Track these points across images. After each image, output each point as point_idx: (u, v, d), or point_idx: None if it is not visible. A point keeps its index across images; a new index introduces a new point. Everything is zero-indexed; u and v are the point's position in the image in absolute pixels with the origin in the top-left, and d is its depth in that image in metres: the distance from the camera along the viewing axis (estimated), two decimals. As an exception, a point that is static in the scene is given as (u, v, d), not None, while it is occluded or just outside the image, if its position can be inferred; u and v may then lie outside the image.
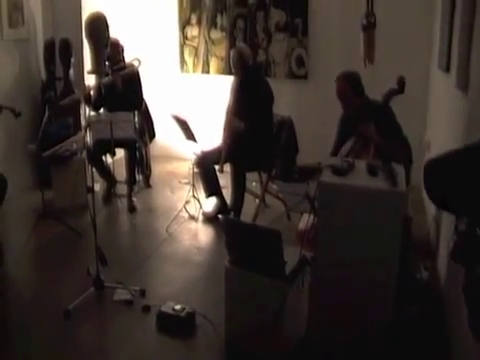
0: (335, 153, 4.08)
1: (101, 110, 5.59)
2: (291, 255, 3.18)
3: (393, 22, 5.50)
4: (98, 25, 4.51)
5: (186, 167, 6.30)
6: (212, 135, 5.71)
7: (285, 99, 5.68)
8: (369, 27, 4.34)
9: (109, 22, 4.80)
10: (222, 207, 5.22)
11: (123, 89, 5.44)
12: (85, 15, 5.69)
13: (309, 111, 5.90)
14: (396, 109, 3.99)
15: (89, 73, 4.68)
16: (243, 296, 3.17)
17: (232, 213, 5.07)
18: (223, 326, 3.35)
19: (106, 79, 5.12)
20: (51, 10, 6.29)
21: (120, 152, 5.67)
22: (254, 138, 4.84)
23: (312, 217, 3.25)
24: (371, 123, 3.84)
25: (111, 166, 5.77)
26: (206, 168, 5.19)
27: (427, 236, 4.58)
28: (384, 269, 2.98)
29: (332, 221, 3.05)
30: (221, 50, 6.70)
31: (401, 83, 3.73)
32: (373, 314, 3.05)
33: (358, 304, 3.04)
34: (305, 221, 3.67)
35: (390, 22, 5.31)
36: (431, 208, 4.69)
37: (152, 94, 6.39)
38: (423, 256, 4.13)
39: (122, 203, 5.62)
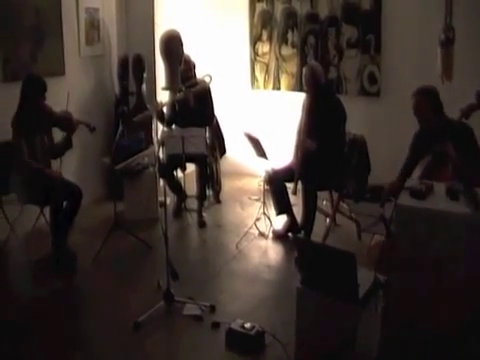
0: (406, 170, 3.96)
1: (173, 126, 5.67)
2: (364, 277, 3.11)
3: (472, 36, 5.22)
4: (173, 43, 4.59)
5: (256, 183, 6.35)
6: (283, 152, 5.69)
7: (357, 117, 5.58)
8: (448, 43, 4.22)
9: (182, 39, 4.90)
10: (292, 225, 5.18)
11: (195, 105, 5.50)
12: (157, 31, 5.85)
13: (381, 129, 5.78)
14: (473, 127, 3.85)
15: (163, 89, 4.77)
16: (315, 318, 3.14)
17: (302, 232, 5.03)
18: (293, 347, 3.30)
19: (178, 95, 5.20)
20: (125, 27, 6.48)
21: (190, 167, 5.72)
22: (326, 156, 4.78)
23: (386, 240, 3.19)
24: (449, 142, 3.70)
25: (181, 181, 5.84)
26: (277, 185, 5.16)
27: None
28: (464, 299, 2.87)
29: (409, 245, 2.96)
30: (292, 66, 6.67)
31: None
32: (450, 344, 2.93)
33: (433, 332, 2.94)
34: (377, 242, 3.61)
35: (469, 36, 5.09)
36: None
37: (223, 110, 6.43)
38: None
39: (192, 218, 5.67)
